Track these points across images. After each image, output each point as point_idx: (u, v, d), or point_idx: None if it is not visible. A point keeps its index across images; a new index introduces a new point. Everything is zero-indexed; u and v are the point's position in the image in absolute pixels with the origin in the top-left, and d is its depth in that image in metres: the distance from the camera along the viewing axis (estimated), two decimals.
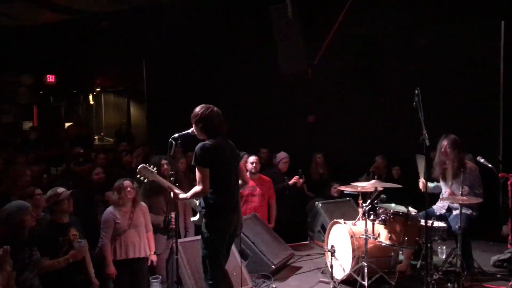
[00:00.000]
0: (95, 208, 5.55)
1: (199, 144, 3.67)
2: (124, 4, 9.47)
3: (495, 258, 5.48)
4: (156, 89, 11.20)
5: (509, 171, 5.09)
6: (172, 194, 3.90)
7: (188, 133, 3.87)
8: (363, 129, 8.22)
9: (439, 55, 7.36)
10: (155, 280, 4.47)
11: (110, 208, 4.73)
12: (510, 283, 4.61)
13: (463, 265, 4.58)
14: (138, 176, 4.05)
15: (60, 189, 4.34)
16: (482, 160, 4.92)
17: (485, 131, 6.91)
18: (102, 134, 13.88)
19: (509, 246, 5.07)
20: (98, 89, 14.13)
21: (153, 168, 4.04)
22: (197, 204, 3.84)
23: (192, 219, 4.03)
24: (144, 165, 4.08)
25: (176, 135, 3.90)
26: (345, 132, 8.44)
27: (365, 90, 8.07)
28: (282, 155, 7.06)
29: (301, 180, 6.75)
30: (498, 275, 5.14)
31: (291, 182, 6.73)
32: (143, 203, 4.94)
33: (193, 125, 3.80)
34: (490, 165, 4.91)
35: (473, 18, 7.02)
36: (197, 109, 3.79)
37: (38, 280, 3.83)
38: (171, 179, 4.02)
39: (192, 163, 3.67)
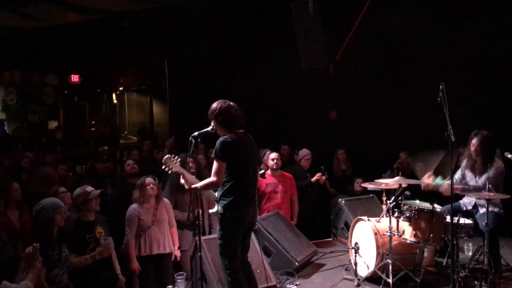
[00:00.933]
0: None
1: (221, 138, 3.77)
2: (145, 3, 9.57)
3: None
4: (178, 87, 11.30)
5: None
6: (183, 181, 3.95)
7: (207, 130, 3.93)
8: (386, 125, 8.14)
9: (462, 50, 7.22)
10: (180, 276, 4.52)
11: (134, 205, 4.81)
12: None
13: (491, 263, 4.49)
14: (163, 167, 4.11)
15: (89, 188, 4.44)
16: (510, 156, 4.80)
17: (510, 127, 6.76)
18: (125, 132, 14.06)
19: None
20: (121, 88, 14.32)
21: (177, 159, 4.10)
22: (216, 196, 3.92)
23: (211, 211, 4.13)
24: (169, 155, 4.16)
25: (196, 133, 3.96)
26: (368, 128, 8.36)
27: (388, 85, 7.99)
28: (304, 152, 7.03)
29: (323, 177, 6.72)
30: None
31: (313, 179, 6.70)
32: (166, 200, 5.01)
33: (212, 121, 3.86)
34: None
35: (497, 12, 6.86)
36: (214, 104, 3.88)
37: (67, 276, 3.93)
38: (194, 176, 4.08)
39: (212, 155, 3.79)
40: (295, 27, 7.88)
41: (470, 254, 5.20)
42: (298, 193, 6.49)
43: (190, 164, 4.99)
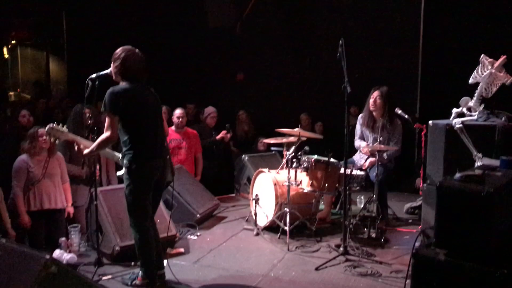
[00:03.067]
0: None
1: (109, 89, 3.45)
2: None
3: (407, 205, 5.85)
4: (77, 42, 10.53)
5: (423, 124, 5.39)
6: (76, 148, 3.70)
7: (107, 73, 3.66)
8: (289, 87, 8.33)
9: (363, 14, 7.54)
10: (74, 228, 4.33)
11: (23, 156, 4.49)
12: (420, 227, 4.92)
13: (379, 211, 4.83)
14: (46, 138, 3.80)
15: None
16: (399, 112, 5.14)
17: (404, 88, 7.24)
18: (18, 90, 12.98)
19: (420, 193, 5.40)
20: (13, 42, 13.12)
21: (64, 127, 3.81)
22: (120, 157, 3.69)
23: (118, 173, 3.87)
24: (51, 124, 3.80)
25: (94, 75, 3.70)
26: (272, 90, 8.51)
27: (291, 48, 8.14)
28: (210, 110, 7.00)
29: (228, 135, 6.76)
30: (410, 221, 5.50)
31: (218, 136, 6.73)
32: (59, 153, 4.72)
33: (111, 64, 3.61)
34: (406, 116, 5.16)
35: None
36: (119, 49, 3.60)
37: None
38: (95, 128, 3.84)
39: (102, 109, 3.46)
40: None
41: (361, 205, 5.56)
42: (203, 151, 6.48)
43: (88, 115, 4.74)
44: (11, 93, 12.46)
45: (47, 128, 3.80)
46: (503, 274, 1.84)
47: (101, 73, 3.69)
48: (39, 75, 12.82)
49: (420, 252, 2.10)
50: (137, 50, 3.61)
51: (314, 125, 7.50)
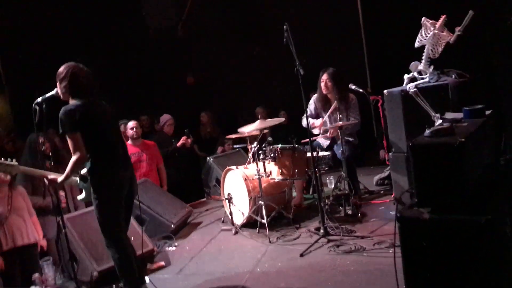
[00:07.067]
0: None
1: (62, 109, 3.30)
2: None
3: (376, 177, 5.94)
4: (16, 74, 10.01)
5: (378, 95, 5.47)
6: (47, 182, 3.48)
7: (53, 95, 3.48)
8: (243, 81, 8.26)
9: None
10: (46, 262, 4.12)
11: None
12: (393, 195, 5.00)
13: (351, 187, 4.86)
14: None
15: None
16: (353, 87, 5.19)
17: (352, 63, 7.33)
18: None
19: (387, 163, 5.47)
20: None
21: (12, 161, 3.55)
22: (78, 181, 3.52)
23: (79, 197, 3.69)
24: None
25: (39, 99, 3.51)
26: (227, 86, 8.43)
27: (237, 41, 8.07)
28: (165, 118, 6.88)
29: (189, 140, 6.66)
30: (382, 192, 5.58)
31: (179, 143, 6.62)
32: (20, 187, 4.48)
33: (57, 84, 3.44)
34: (361, 90, 5.22)
35: None
36: (62, 67, 3.44)
37: None
38: (50, 154, 3.65)
39: (60, 132, 3.32)
40: None
41: (333, 186, 5.59)
42: (166, 160, 6.36)
43: (41, 142, 4.50)
44: None
45: None
46: (488, 220, 1.86)
47: (47, 95, 3.51)
48: None
49: (404, 215, 2.09)
50: (81, 65, 3.46)
51: (278, 115, 7.49)
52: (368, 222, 4.56)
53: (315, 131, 5.40)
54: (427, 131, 2.09)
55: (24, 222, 4.34)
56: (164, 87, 8.50)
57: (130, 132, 5.93)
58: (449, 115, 2.69)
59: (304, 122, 5.28)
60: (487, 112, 2.51)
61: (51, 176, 3.47)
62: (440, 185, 1.97)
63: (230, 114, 8.39)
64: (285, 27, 4.33)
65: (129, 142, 5.95)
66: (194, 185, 6.82)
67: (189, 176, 6.88)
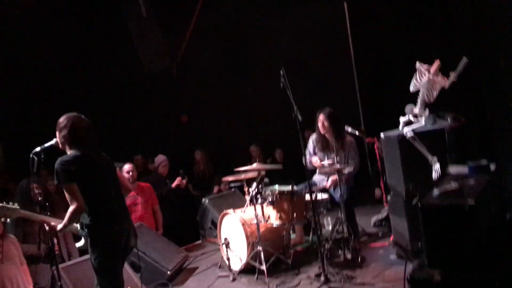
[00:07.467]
0: None
1: (57, 160, 3.27)
2: None
3: (374, 218, 5.90)
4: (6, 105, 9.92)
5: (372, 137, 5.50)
6: (48, 228, 3.45)
7: (52, 144, 3.45)
8: (236, 120, 8.29)
9: (298, 37, 7.68)
10: None
11: None
12: (391, 238, 4.96)
13: (349, 230, 4.81)
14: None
15: None
16: (350, 129, 5.21)
17: (346, 105, 7.39)
18: None
19: (385, 204, 5.45)
20: None
21: (14, 205, 3.52)
22: (78, 228, 3.46)
23: (77, 244, 3.63)
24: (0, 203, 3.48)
25: (38, 148, 3.46)
26: (221, 126, 8.44)
27: (232, 81, 8.14)
28: (160, 158, 6.82)
29: (184, 181, 6.61)
30: (380, 234, 5.53)
31: (174, 184, 6.56)
32: (11, 235, 4.36)
33: (57, 134, 3.41)
34: (357, 132, 5.23)
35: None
36: (63, 117, 3.43)
37: None
38: (46, 204, 3.58)
39: (56, 183, 3.28)
40: (131, 31, 7.52)
41: (331, 227, 5.53)
42: (160, 201, 6.27)
43: (36, 191, 4.45)
44: None
45: None
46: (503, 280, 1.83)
47: (46, 145, 3.47)
48: None
49: (415, 276, 2.06)
50: (82, 116, 3.45)
51: (274, 153, 7.49)
52: (369, 268, 4.49)
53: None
54: (436, 192, 2.08)
55: (17, 270, 4.20)
56: (157, 125, 8.50)
57: (126, 176, 5.87)
58: (453, 169, 2.69)
59: (308, 160, 5.27)
60: (492, 168, 2.52)
61: (52, 222, 3.44)
62: (451, 246, 1.95)
63: (224, 153, 8.37)
64: (281, 72, 4.37)
65: None
66: (188, 226, 6.72)
67: (184, 217, 6.78)
